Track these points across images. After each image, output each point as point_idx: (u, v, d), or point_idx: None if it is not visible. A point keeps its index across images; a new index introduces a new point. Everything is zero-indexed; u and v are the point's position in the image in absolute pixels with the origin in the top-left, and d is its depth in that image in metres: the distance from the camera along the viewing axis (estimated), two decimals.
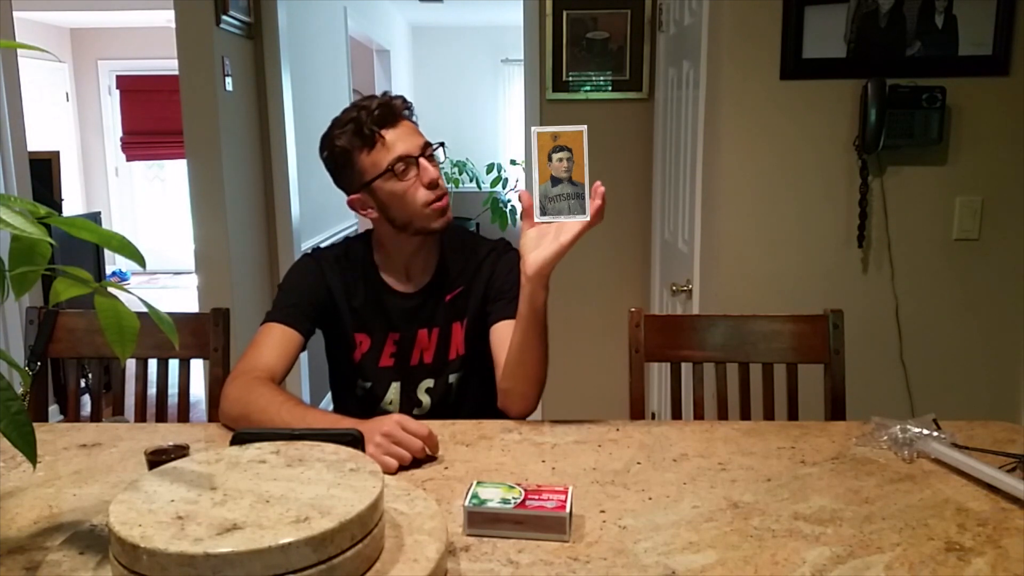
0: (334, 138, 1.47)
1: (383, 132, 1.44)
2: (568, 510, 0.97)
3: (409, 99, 1.53)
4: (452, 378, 1.57)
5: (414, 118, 1.52)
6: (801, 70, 2.05)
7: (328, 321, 1.56)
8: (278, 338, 1.46)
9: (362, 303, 1.55)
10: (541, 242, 1.29)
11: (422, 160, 1.46)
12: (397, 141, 1.45)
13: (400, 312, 1.56)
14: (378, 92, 1.54)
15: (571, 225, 1.26)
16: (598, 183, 1.25)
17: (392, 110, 1.46)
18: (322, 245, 1.67)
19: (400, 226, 1.50)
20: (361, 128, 1.44)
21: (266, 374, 1.40)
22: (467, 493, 1.01)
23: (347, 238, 1.65)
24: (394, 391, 1.57)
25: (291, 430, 1.13)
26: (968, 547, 0.96)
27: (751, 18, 2.04)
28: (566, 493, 1.00)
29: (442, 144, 1.52)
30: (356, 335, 1.56)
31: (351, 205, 1.53)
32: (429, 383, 1.57)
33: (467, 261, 1.58)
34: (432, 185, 1.46)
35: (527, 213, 1.29)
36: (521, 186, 7.01)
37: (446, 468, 1.20)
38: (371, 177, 1.46)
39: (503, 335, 1.46)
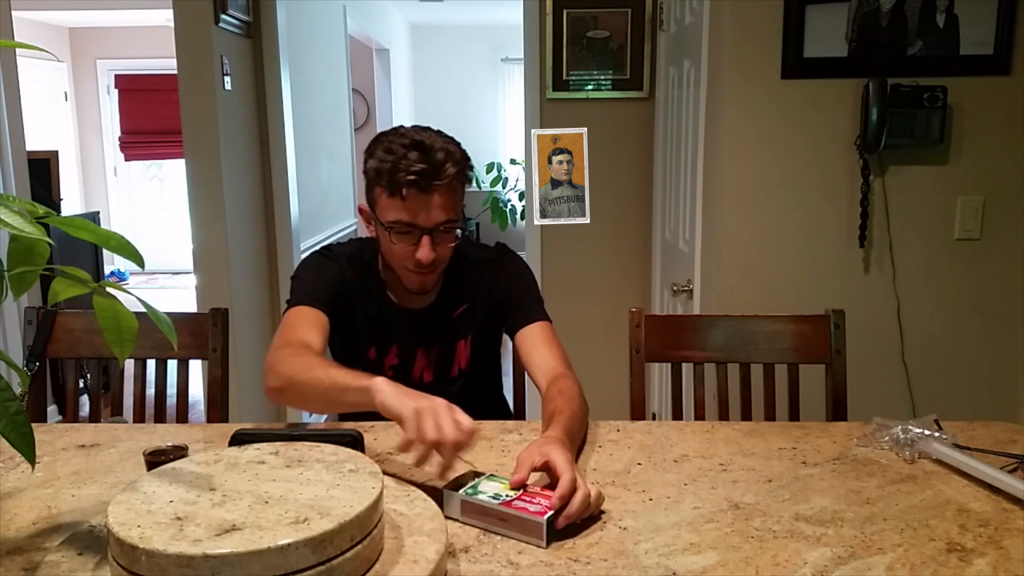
0: (373, 154, 1.39)
1: (407, 191, 1.35)
2: (548, 516, 0.96)
3: (466, 154, 1.42)
4: (455, 388, 1.56)
5: (460, 180, 1.41)
6: (802, 69, 2.04)
7: (342, 315, 1.49)
8: (307, 316, 1.42)
9: (367, 310, 1.52)
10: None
11: (424, 238, 1.38)
12: (413, 207, 1.36)
13: (400, 328, 1.53)
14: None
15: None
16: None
17: (428, 178, 1.35)
18: (320, 245, 1.65)
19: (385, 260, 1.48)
20: (394, 173, 1.35)
21: (304, 346, 1.35)
22: (469, 482, 1.04)
23: (356, 241, 1.59)
24: None
25: (290, 431, 1.13)
26: (969, 548, 0.96)
27: (752, 17, 2.04)
28: None
29: (460, 227, 1.43)
30: (368, 337, 1.53)
31: (360, 211, 1.49)
32: None
33: (468, 275, 1.55)
34: (420, 265, 1.40)
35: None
36: (521, 185, 6.96)
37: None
38: (377, 214, 1.42)
39: (527, 338, 1.46)
